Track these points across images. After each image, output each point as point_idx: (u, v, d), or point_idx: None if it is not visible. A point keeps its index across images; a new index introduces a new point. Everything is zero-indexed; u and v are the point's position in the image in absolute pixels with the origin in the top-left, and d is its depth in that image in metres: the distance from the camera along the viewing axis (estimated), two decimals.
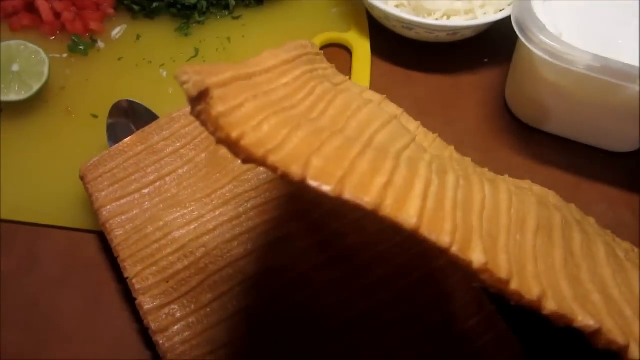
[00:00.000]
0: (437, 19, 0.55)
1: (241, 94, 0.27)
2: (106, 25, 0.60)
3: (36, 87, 0.52)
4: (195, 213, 0.44)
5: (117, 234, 0.44)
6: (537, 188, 0.43)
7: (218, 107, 0.25)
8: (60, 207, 0.49)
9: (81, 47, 0.58)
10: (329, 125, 0.31)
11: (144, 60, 0.57)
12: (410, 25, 0.55)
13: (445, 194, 0.28)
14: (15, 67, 0.52)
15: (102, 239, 0.48)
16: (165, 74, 0.56)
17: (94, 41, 0.58)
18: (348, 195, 0.24)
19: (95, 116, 0.53)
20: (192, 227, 0.44)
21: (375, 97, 0.50)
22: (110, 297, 0.45)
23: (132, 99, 0.50)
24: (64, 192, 0.49)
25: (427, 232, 0.25)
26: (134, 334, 0.44)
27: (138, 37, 0.59)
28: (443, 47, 0.59)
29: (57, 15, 0.59)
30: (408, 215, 0.25)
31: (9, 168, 0.50)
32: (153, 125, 0.48)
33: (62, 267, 0.47)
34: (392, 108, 0.48)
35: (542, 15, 0.47)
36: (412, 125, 0.47)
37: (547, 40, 0.45)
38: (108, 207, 0.45)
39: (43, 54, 0.53)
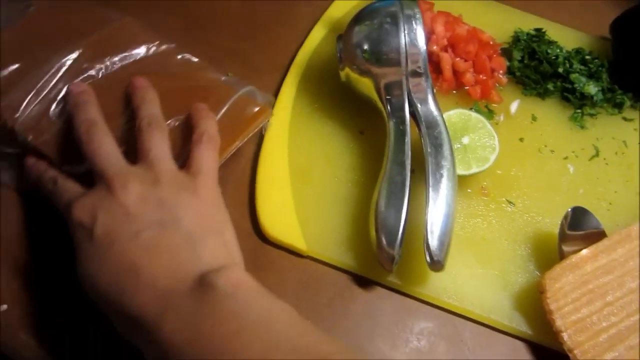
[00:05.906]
0: None
1: None
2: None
3: (486, 165, 0.49)
4: None
5: None
6: None
7: None
8: (481, 296, 0.46)
9: None
10: None
11: (546, 147, 0.54)
12: None
13: None
14: (465, 140, 0.49)
15: (537, 349, 0.46)
16: (572, 169, 0.53)
17: (491, 111, 0.55)
18: None
19: (510, 203, 0.50)
20: None
21: None
22: None
23: (583, 207, 0.47)
24: (484, 282, 0.46)
25: None
26: None
27: (534, 118, 0.56)
28: None
29: (454, 73, 0.56)
30: None
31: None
32: (605, 242, 0.46)
33: None
34: None
35: None
36: None
37: None
38: (569, 331, 0.43)
39: (489, 126, 0.50)
